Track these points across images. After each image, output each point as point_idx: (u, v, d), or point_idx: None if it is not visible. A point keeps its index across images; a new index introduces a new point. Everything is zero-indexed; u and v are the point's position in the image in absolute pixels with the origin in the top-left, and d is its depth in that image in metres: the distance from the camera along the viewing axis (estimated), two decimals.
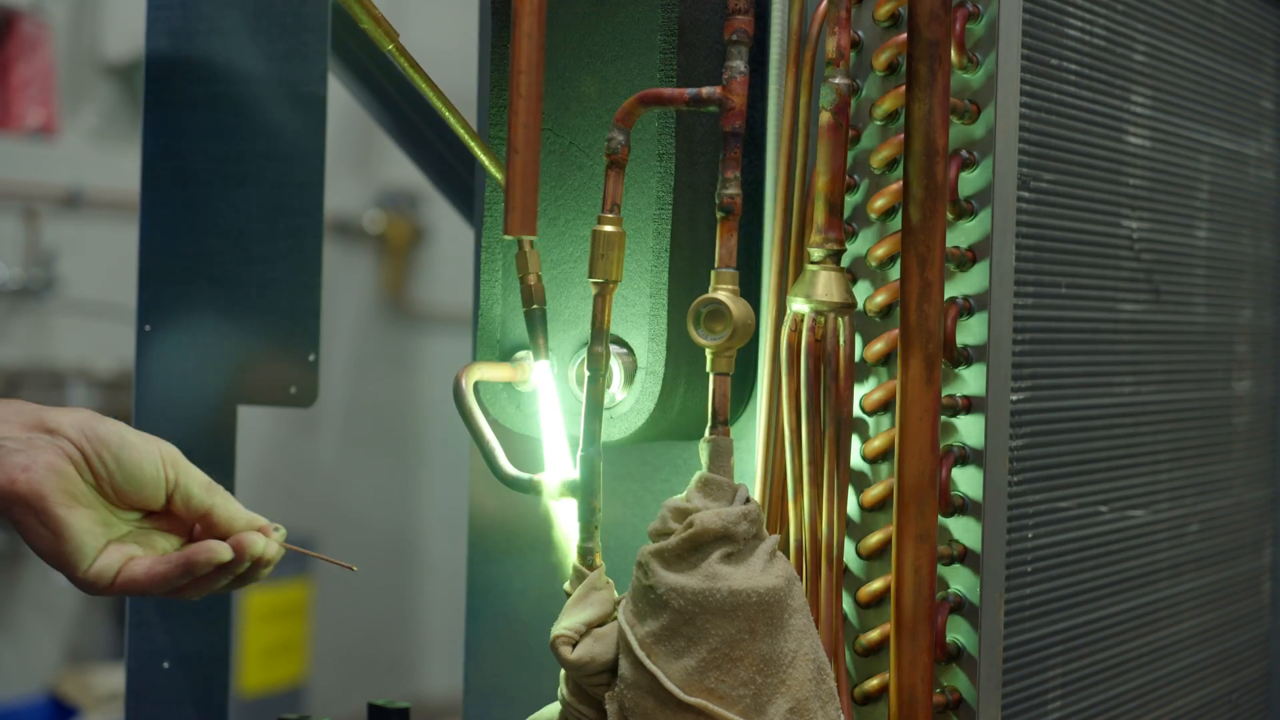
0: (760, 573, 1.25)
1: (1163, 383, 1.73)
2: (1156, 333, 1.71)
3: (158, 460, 1.24)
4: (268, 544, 1.25)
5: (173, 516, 1.27)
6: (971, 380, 1.36)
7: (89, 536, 1.22)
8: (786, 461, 1.32)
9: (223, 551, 1.23)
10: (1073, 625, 1.54)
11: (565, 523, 1.37)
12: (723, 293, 1.29)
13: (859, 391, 1.37)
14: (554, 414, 1.40)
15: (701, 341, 1.30)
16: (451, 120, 1.41)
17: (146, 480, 1.24)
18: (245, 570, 1.25)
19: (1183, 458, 1.77)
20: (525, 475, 1.36)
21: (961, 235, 1.36)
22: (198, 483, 1.26)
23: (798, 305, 1.31)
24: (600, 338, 1.31)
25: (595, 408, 1.31)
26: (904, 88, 1.29)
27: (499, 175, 1.41)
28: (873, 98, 1.37)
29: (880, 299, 1.37)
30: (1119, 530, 1.64)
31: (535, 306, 1.39)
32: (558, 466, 1.38)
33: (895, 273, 1.36)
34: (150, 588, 1.23)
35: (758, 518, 1.27)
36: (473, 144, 1.42)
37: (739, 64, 1.30)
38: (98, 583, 1.23)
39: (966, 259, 1.36)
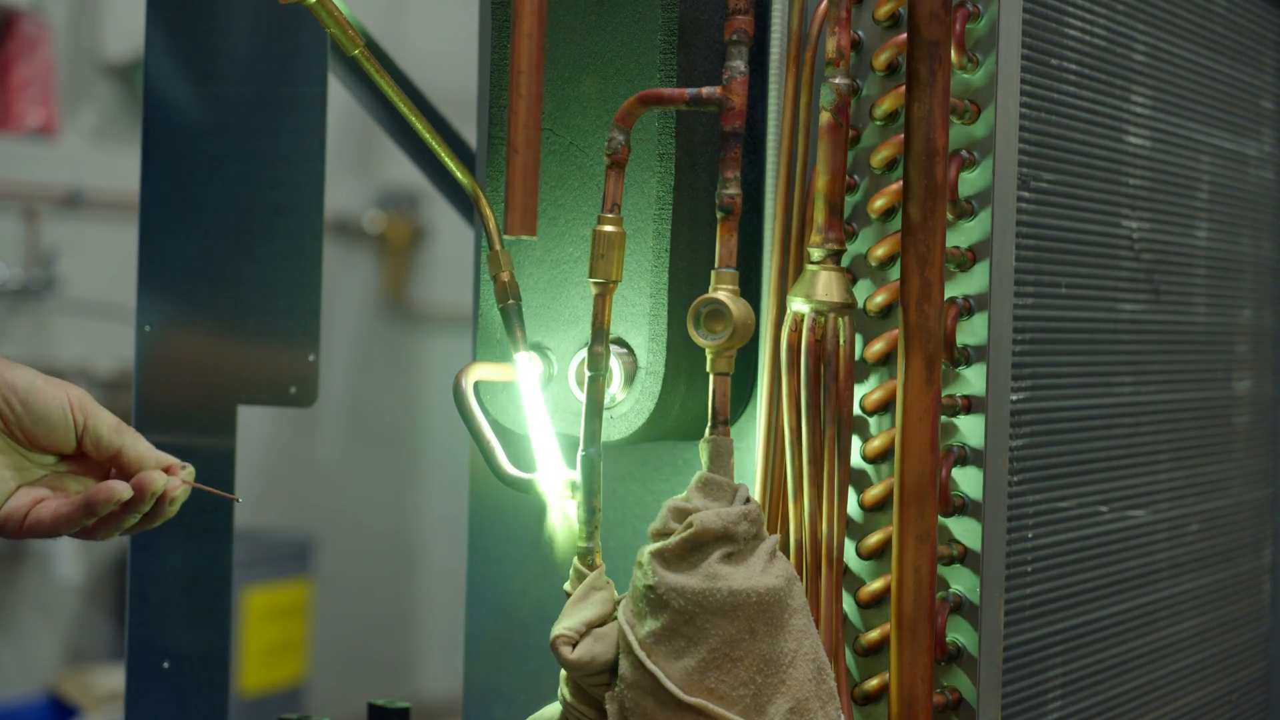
0: (760, 573, 1.25)
1: (1163, 383, 1.73)
2: (1156, 333, 1.71)
3: (65, 404, 1.26)
4: (169, 481, 1.26)
5: (86, 459, 1.29)
6: (971, 380, 1.36)
7: None
8: (786, 461, 1.32)
9: (123, 490, 1.24)
10: (1073, 625, 1.54)
11: (565, 523, 1.37)
12: (723, 293, 1.29)
13: (859, 391, 1.37)
14: (537, 406, 1.40)
15: (701, 341, 1.30)
16: (416, 125, 1.41)
17: (55, 424, 1.26)
18: (151, 509, 1.27)
19: (1183, 458, 1.77)
20: (525, 475, 1.37)
21: (961, 235, 1.36)
22: (106, 424, 1.28)
23: (798, 305, 1.31)
24: (600, 338, 1.31)
25: (595, 408, 1.31)
26: (904, 88, 1.29)
27: (464, 179, 1.42)
28: (873, 98, 1.37)
29: (880, 299, 1.37)
30: (1119, 530, 1.64)
31: (510, 302, 1.40)
32: (547, 460, 1.38)
33: (895, 273, 1.36)
34: (56, 529, 1.25)
35: (758, 518, 1.27)
36: (437, 148, 1.41)
37: (739, 64, 1.30)
38: (7, 525, 1.25)
39: (966, 259, 1.36)
